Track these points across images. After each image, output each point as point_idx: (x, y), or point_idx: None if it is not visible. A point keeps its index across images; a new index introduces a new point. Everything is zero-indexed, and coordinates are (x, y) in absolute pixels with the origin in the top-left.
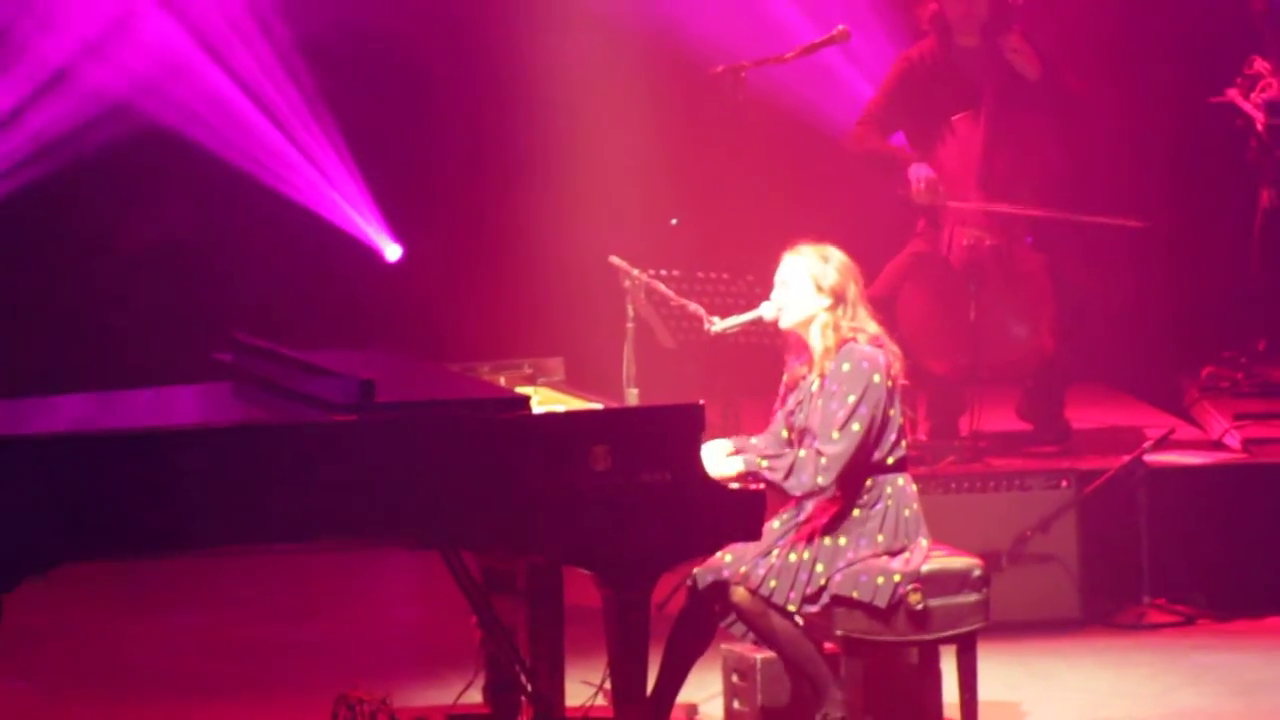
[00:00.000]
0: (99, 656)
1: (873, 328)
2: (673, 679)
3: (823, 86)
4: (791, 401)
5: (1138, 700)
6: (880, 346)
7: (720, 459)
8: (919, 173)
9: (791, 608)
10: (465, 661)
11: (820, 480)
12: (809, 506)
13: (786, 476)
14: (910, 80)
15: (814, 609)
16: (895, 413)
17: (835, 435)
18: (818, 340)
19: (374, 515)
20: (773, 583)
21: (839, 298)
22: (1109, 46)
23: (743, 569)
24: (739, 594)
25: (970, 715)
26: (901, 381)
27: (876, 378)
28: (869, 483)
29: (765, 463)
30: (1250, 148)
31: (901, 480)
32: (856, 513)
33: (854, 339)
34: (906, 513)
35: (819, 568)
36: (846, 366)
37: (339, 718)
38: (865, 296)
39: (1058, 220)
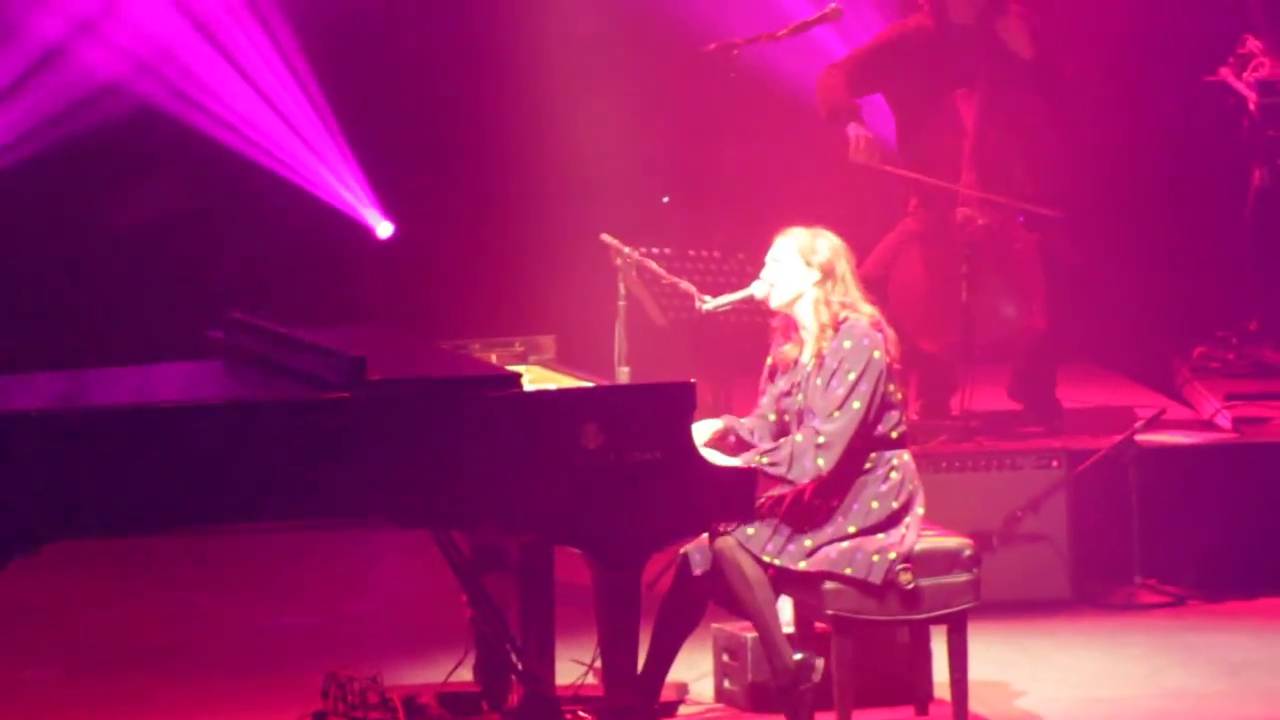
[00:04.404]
0: (94, 637)
1: (868, 309)
2: (663, 657)
3: (815, 65)
4: (785, 383)
5: (1128, 680)
6: (880, 330)
7: (723, 456)
8: (856, 131)
9: (767, 558)
10: (455, 640)
11: (821, 462)
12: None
13: (789, 468)
14: (898, 49)
15: (796, 565)
16: (894, 388)
17: (835, 414)
18: (810, 318)
19: (364, 493)
20: (750, 530)
21: (827, 273)
22: (1102, 26)
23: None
24: (721, 541)
25: (960, 695)
26: (896, 366)
27: (877, 354)
28: (872, 457)
29: (765, 459)
30: (1242, 127)
31: (906, 455)
32: (856, 483)
33: (851, 317)
34: (910, 487)
35: (807, 543)
36: (848, 343)
37: (329, 695)
38: (858, 277)
39: (984, 200)
